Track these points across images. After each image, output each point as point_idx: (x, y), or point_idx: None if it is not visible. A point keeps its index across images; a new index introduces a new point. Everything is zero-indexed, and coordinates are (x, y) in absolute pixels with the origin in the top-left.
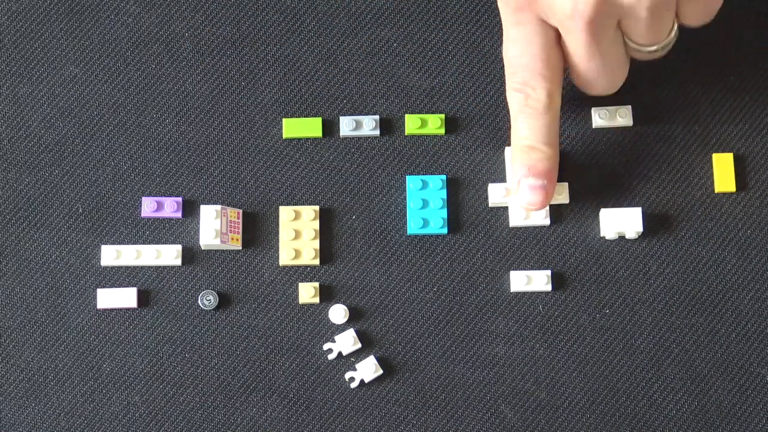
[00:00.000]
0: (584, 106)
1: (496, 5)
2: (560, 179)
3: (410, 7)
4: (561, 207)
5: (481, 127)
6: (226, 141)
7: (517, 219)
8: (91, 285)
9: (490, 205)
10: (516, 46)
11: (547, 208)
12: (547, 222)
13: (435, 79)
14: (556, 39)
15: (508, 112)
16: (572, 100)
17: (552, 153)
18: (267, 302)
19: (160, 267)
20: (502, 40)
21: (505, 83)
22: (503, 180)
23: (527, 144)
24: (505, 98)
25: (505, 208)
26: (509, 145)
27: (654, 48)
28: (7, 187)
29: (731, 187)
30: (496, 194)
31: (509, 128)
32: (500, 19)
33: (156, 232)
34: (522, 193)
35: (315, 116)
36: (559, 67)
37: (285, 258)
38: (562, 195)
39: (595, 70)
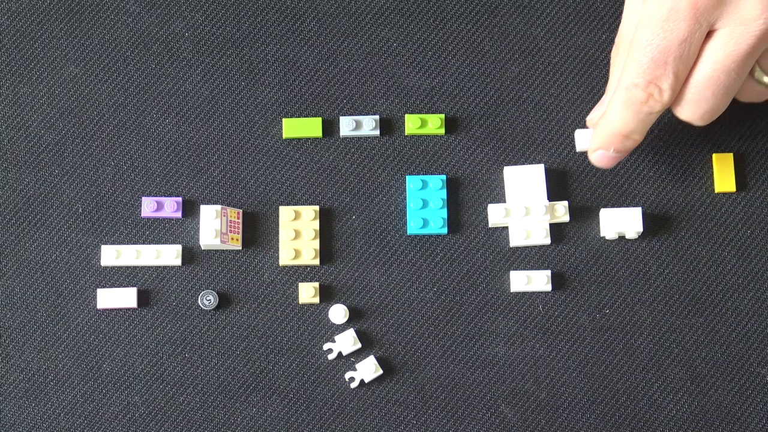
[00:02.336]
0: (584, 108)
1: (497, 5)
2: (561, 196)
3: (410, 7)
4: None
5: (481, 127)
6: (226, 141)
7: (517, 239)
8: (91, 285)
9: (490, 225)
10: (662, 40)
11: (548, 228)
12: (547, 241)
13: (435, 79)
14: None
15: (511, 111)
16: (572, 99)
17: (641, 140)
18: (267, 302)
19: (160, 267)
20: (502, 41)
21: (502, 82)
22: (502, 185)
23: (624, 132)
24: (509, 95)
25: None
26: (583, 126)
27: None
28: (7, 187)
29: (731, 187)
30: (495, 215)
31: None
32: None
33: (156, 232)
34: (597, 157)
35: (315, 116)
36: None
37: (285, 258)
38: (562, 213)
39: (721, 88)
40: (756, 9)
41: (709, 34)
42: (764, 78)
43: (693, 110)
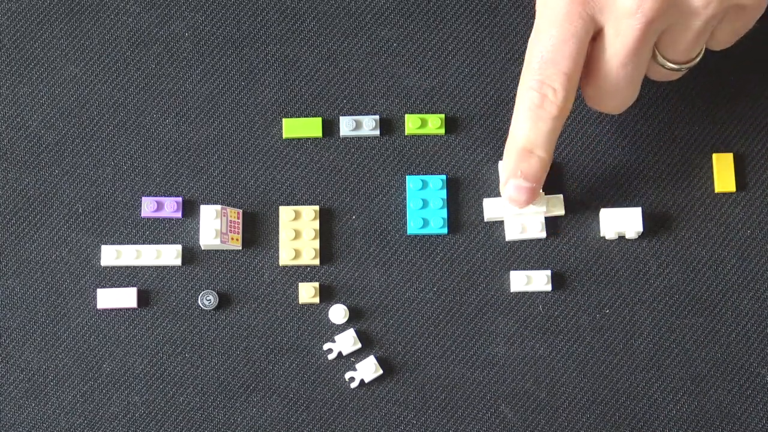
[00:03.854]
0: (584, 107)
1: (497, 5)
2: (558, 189)
3: (410, 7)
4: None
5: (481, 127)
6: (226, 141)
7: (513, 233)
8: (91, 285)
9: (485, 219)
10: (549, 41)
11: (543, 221)
12: (543, 235)
13: (435, 79)
14: (589, 42)
15: (511, 111)
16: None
17: (548, 159)
18: (267, 302)
19: (160, 267)
20: (502, 41)
21: (502, 82)
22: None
23: (526, 147)
24: (509, 95)
25: (501, 222)
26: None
27: (681, 67)
28: (7, 187)
29: (731, 187)
30: (491, 209)
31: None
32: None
33: (156, 232)
34: (508, 190)
35: (315, 116)
36: (580, 73)
37: (285, 258)
38: (557, 207)
39: (622, 81)
40: (631, 3)
41: (598, 32)
42: (664, 62)
43: (608, 103)
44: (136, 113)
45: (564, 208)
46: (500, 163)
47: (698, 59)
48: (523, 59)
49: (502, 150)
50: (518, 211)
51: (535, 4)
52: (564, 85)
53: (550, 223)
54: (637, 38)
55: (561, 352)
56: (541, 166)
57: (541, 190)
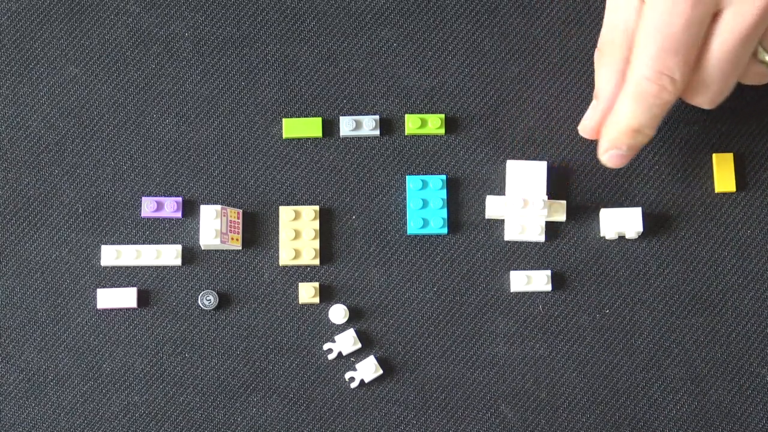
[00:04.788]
0: (584, 108)
1: (497, 5)
2: (560, 196)
3: (410, 7)
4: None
5: (481, 127)
6: (226, 141)
7: (512, 233)
8: (91, 285)
9: (486, 217)
10: (670, 28)
11: (543, 225)
12: (542, 239)
13: (435, 79)
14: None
15: (511, 111)
16: (572, 99)
17: (654, 134)
18: (267, 302)
19: (160, 267)
20: (502, 41)
21: (502, 82)
22: (502, 184)
23: (636, 127)
24: (509, 95)
25: (501, 222)
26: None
27: None
28: (7, 187)
29: (731, 187)
30: (493, 207)
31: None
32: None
33: (156, 232)
34: (608, 158)
35: (315, 116)
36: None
37: (285, 258)
38: (559, 213)
39: (726, 68)
40: None
41: (716, 15)
42: (766, 57)
43: (704, 94)
44: (136, 113)
45: (566, 215)
46: (584, 124)
47: None
48: (523, 59)
49: (503, 150)
50: (520, 211)
51: None
52: (684, 75)
53: (551, 223)
54: (757, 22)
55: (561, 352)
56: (646, 141)
57: (545, 196)
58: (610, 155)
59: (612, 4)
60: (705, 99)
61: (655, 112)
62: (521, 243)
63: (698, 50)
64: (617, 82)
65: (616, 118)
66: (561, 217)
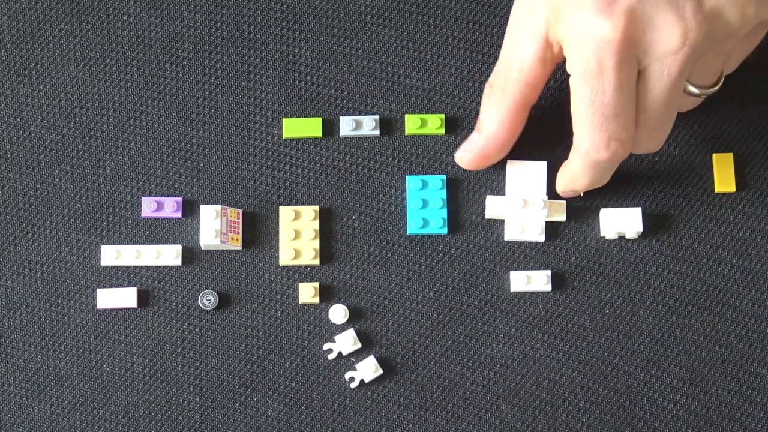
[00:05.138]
0: None
1: (497, 5)
2: (559, 195)
3: (410, 7)
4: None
5: None
6: (226, 141)
7: (512, 233)
8: (91, 285)
9: (486, 217)
10: (604, 94)
11: (543, 225)
12: (542, 239)
13: (435, 79)
14: None
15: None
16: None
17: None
18: (267, 302)
19: (160, 267)
20: (502, 41)
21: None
22: (502, 184)
23: (594, 185)
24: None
25: (501, 222)
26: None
27: (704, 92)
28: (7, 187)
29: (731, 187)
30: (493, 207)
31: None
32: (507, 24)
33: (156, 232)
34: (565, 195)
35: (315, 116)
36: None
37: (285, 258)
38: (559, 213)
39: (666, 117)
40: (676, 40)
41: (641, 72)
42: (692, 89)
43: (650, 143)
44: (136, 113)
45: (566, 215)
46: (461, 155)
47: (721, 83)
48: None
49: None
50: (520, 211)
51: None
52: (629, 132)
53: (551, 223)
54: (682, 71)
55: (561, 352)
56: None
57: (545, 196)
58: (565, 194)
59: (510, 42)
60: (651, 146)
61: (609, 169)
62: (521, 243)
63: (634, 106)
64: (501, 121)
65: (572, 180)
66: (561, 217)
